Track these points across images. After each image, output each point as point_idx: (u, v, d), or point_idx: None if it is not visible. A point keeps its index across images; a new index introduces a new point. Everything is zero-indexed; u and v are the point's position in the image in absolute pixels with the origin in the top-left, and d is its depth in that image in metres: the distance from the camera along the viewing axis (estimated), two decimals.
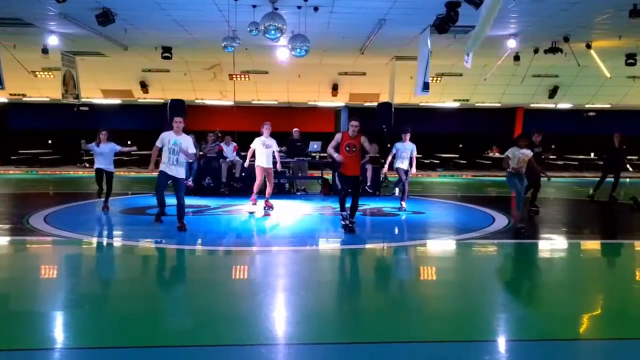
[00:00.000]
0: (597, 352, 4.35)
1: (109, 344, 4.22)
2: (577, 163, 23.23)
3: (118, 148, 10.73)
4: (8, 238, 8.59)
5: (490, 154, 23.03)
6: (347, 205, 8.97)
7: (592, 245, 9.04)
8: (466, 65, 11.08)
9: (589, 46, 13.52)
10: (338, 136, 8.82)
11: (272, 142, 10.77)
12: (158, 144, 8.75)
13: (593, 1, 9.99)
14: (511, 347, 4.33)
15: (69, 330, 4.59)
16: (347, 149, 8.66)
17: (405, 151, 11.35)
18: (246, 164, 11.17)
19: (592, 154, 23.46)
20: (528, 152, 8.97)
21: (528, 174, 9.54)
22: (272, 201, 11.24)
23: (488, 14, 7.87)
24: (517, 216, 9.27)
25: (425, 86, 12.16)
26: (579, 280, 6.64)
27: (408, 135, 11.45)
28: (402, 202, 11.38)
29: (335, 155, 8.70)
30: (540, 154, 10.78)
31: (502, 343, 4.39)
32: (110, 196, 10.89)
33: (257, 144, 10.74)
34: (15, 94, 20.40)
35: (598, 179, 13.70)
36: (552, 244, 8.69)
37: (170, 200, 9.01)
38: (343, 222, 8.96)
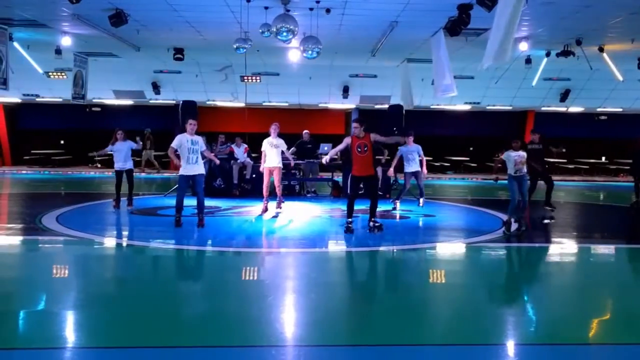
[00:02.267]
0: (608, 358, 4.32)
1: (120, 344, 4.25)
2: (588, 167, 23.06)
3: (135, 145, 11.16)
4: (21, 237, 8.67)
5: (501, 157, 22.89)
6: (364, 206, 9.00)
7: (603, 249, 8.95)
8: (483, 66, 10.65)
9: (601, 49, 13.44)
10: (347, 139, 8.86)
11: (280, 142, 10.86)
12: (174, 145, 8.95)
13: (606, 4, 9.93)
14: (520, 350, 4.31)
15: (81, 329, 4.63)
16: (359, 149, 8.69)
17: (411, 153, 11.33)
18: (261, 168, 11.09)
19: (604, 158, 23.29)
20: (522, 154, 9.08)
21: (531, 175, 9.52)
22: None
23: (511, 19, 7.77)
24: (508, 221, 9.10)
25: (448, 87, 11.92)
26: (590, 284, 6.58)
27: (411, 138, 11.42)
28: (397, 201, 11.62)
29: (327, 157, 9.11)
30: (540, 150, 10.74)
31: (511, 347, 4.37)
32: (121, 195, 11.04)
33: (265, 145, 10.82)
34: (28, 95, 20.60)
35: (611, 183, 13.60)
36: (562, 248, 8.64)
37: (183, 201, 9.09)
38: (347, 226, 8.90)
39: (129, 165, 11.00)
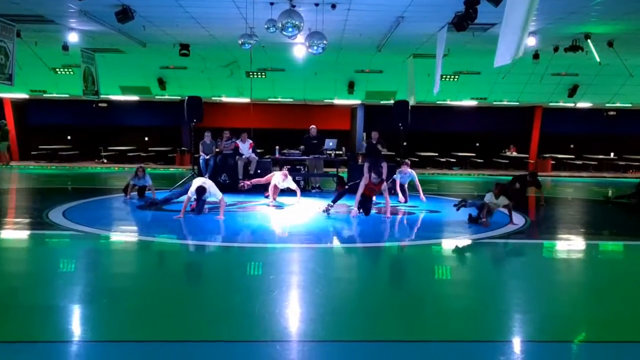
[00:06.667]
0: (615, 355, 4.30)
1: (124, 338, 4.27)
2: (596, 163, 22.91)
3: (149, 183, 11.81)
4: (28, 232, 8.72)
5: (508, 153, 22.84)
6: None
7: (612, 246, 8.89)
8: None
9: (610, 44, 13.32)
10: (366, 180, 10.08)
11: (290, 183, 11.80)
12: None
13: None
14: (527, 347, 4.29)
15: (87, 324, 4.65)
16: (369, 191, 10.13)
17: (405, 182, 12.14)
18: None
19: (612, 154, 23.13)
20: (501, 202, 9.46)
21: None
22: (287, 198, 11.50)
23: (528, 14, 7.66)
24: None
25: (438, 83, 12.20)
26: (596, 281, 6.55)
27: (405, 166, 12.12)
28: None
29: (354, 211, 10.14)
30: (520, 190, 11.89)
31: (517, 343, 4.36)
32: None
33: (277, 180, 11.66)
34: (35, 90, 20.70)
35: (620, 179, 13.56)
36: (568, 244, 8.59)
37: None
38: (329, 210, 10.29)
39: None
